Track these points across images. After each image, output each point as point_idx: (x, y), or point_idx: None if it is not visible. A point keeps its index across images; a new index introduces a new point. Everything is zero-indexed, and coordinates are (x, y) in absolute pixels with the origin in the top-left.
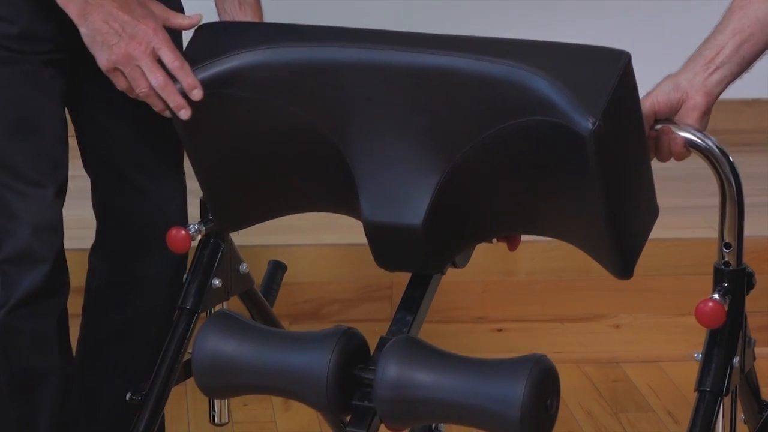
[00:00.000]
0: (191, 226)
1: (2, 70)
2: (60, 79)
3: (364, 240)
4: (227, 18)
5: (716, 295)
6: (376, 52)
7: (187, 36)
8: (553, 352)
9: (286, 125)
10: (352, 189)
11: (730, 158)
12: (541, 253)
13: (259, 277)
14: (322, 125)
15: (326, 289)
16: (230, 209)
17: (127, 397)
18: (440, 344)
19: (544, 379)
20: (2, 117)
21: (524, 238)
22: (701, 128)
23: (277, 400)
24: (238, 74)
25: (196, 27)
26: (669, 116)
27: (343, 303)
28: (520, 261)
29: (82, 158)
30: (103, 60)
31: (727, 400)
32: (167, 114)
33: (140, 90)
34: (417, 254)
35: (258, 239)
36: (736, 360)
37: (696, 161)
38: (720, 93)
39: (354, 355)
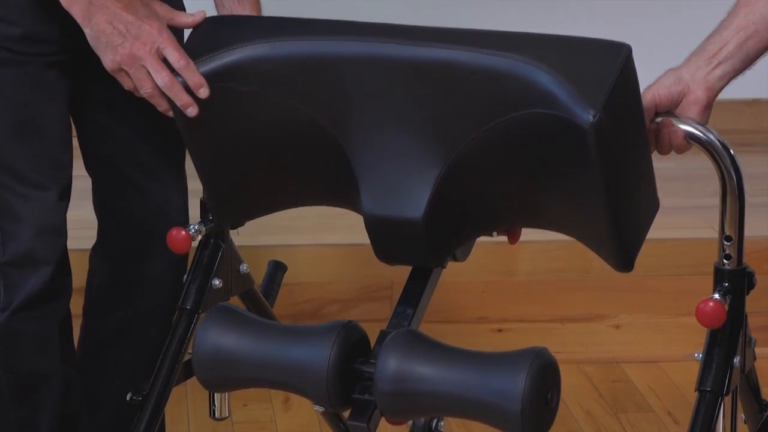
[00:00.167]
0: (191, 226)
1: (5, 71)
2: (63, 81)
3: (364, 240)
4: (226, 12)
5: (716, 295)
6: (377, 46)
7: (187, 33)
8: (553, 352)
9: (286, 119)
10: (352, 182)
11: (731, 151)
12: (541, 253)
13: (259, 278)
14: (322, 119)
15: (326, 289)
16: (230, 203)
17: (128, 397)
18: None
19: (544, 372)
20: (5, 119)
21: (524, 237)
22: (702, 122)
23: (277, 401)
24: (237, 68)
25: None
26: (670, 109)
27: (343, 303)
28: (520, 261)
29: (84, 158)
30: (108, 61)
31: (728, 399)
32: (171, 114)
33: (145, 90)
34: (417, 247)
35: (258, 239)
36: (736, 360)
37: (696, 161)
38: (722, 88)
39: (354, 348)
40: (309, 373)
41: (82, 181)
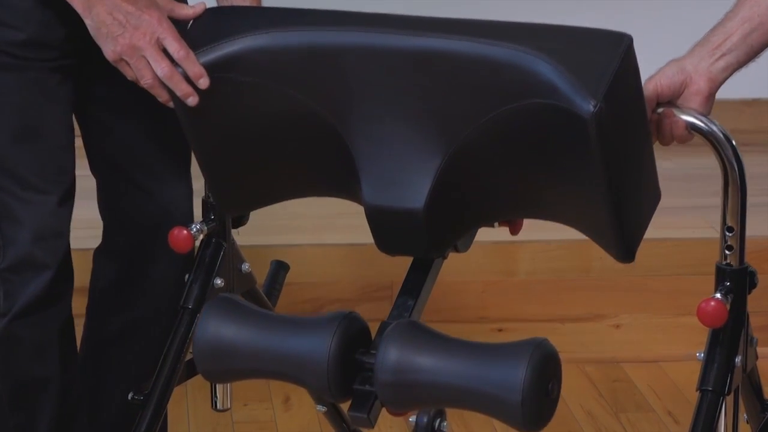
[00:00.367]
0: (193, 226)
1: (8, 76)
2: (67, 86)
3: (364, 240)
4: (226, 3)
5: (718, 295)
6: (377, 36)
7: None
8: None
9: (287, 109)
10: (353, 173)
11: (733, 142)
12: (541, 253)
13: (260, 277)
14: (322, 109)
15: (327, 289)
16: (231, 194)
17: (129, 397)
18: None
19: (545, 363)
20: (7, 124)
21: (524, 237)
22: (705, 113)
23: (277, 400)
24: (238, 58)
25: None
26: (672, 100)
27: (344, 303)
28: (520, 261)
29: (88, 159)
30: (108, 51)
31: (730, 399)
32: (171, 104)
33: (145, 81)
34: (418, 238)
35: (259, 239)
36: (738, 359)
37: (696, 161)
38: (725, 80)
39: (355, 339)
40: (310, 363)
41: (87, 181)
